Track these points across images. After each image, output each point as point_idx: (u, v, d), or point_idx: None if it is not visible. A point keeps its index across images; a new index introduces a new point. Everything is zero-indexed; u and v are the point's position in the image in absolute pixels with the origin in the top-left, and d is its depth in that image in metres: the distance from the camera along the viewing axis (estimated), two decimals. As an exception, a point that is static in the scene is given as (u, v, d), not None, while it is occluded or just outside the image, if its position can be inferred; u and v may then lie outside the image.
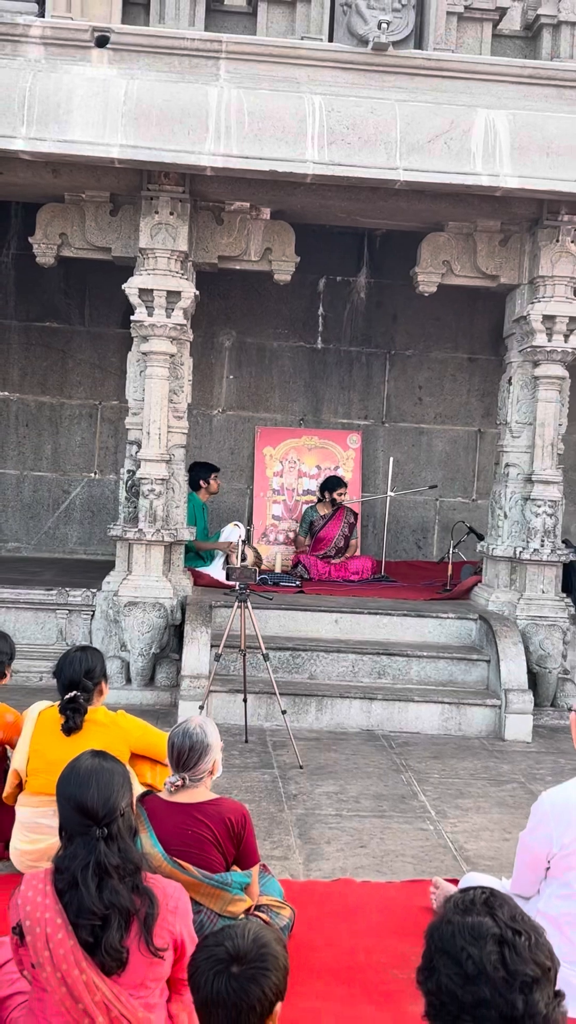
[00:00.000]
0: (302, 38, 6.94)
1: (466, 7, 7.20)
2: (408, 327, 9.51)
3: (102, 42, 6.59)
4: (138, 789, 3.47)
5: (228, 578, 6.29)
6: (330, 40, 6.97)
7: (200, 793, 3.31)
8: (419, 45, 7.14)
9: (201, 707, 5.96)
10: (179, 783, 3.26)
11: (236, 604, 5.94)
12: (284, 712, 5.88)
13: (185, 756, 3.25)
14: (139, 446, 6.93)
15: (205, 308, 8.55)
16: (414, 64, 6.69)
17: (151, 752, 3.98)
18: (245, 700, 6.08)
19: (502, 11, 7.37)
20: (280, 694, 5.94)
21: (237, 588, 5.95)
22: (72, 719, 3.84)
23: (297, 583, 7.86)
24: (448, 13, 7.11)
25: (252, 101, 6.38)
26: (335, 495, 8.60)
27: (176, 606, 6.82)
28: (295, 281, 7.74)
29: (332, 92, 6.56)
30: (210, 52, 6.56)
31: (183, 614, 6.80)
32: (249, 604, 5.93)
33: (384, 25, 6.61)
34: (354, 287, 9.45)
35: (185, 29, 6.86)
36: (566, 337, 6.93)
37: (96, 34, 6.57)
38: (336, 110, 6.41)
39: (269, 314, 9.40)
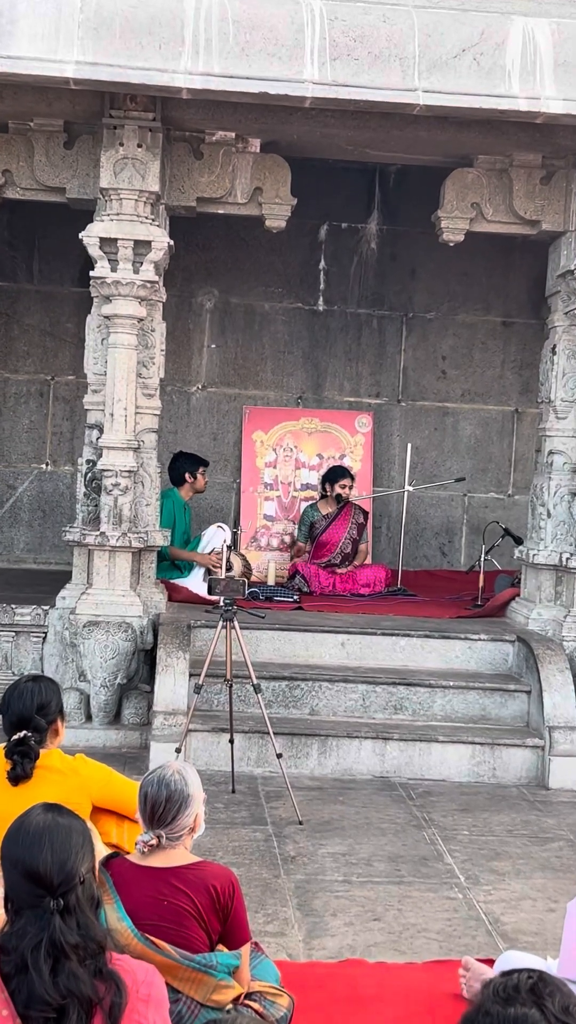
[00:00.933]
0: None
1: None
2: (429, 285, 9.54)
3: None
4: (102, 851, 3.46)
5: (210, 592, 6.29)
6: None
7: (178, 855, 3.30)
8: None
9: (178, 750, 5.96)
10: (153, 843, 3.25)
11: (220, 624, 5.94)
12: (279, 756, 5.87)
13: (161, 810, 3.24)
14: (101, 430, 6.93)
15: (181, 262, 8.56)
16: (436, -38, 6.69)
17: (117, 805, 3.97)
18: (232, 741, 6.08)
19: None
20: (275, 733, 5.93)
21: (222, 604, 5.95)
22: (21, 765, 3.82)
23: (295, 597, 7.88)
24: None
25: (238, 7, 6.37)
26: (338, 488, 8.60)
27: (147, 626, 6.83)
28: (291, 228, 7.75)
29: (335, -4, 6.56)
30: (186, -53, 6.56)
31: (155, 636, 6.80)
32: (236, 623, 5.93)
33: None
34: (363, 235, 9.47)
35: None
36: (623, 291, 6.95)
37: None
38: (341, 18, 6.42)
39: (259, 268, 9.42)
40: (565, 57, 6.49)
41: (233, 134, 7.08)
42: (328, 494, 8.70)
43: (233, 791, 5.98)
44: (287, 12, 6.40)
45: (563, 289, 7.31)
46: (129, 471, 6.85)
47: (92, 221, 6.89)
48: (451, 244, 7.53)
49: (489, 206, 7.36)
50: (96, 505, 6.96)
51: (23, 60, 6.19)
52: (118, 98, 6.68)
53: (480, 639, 7.22)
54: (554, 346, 7.36)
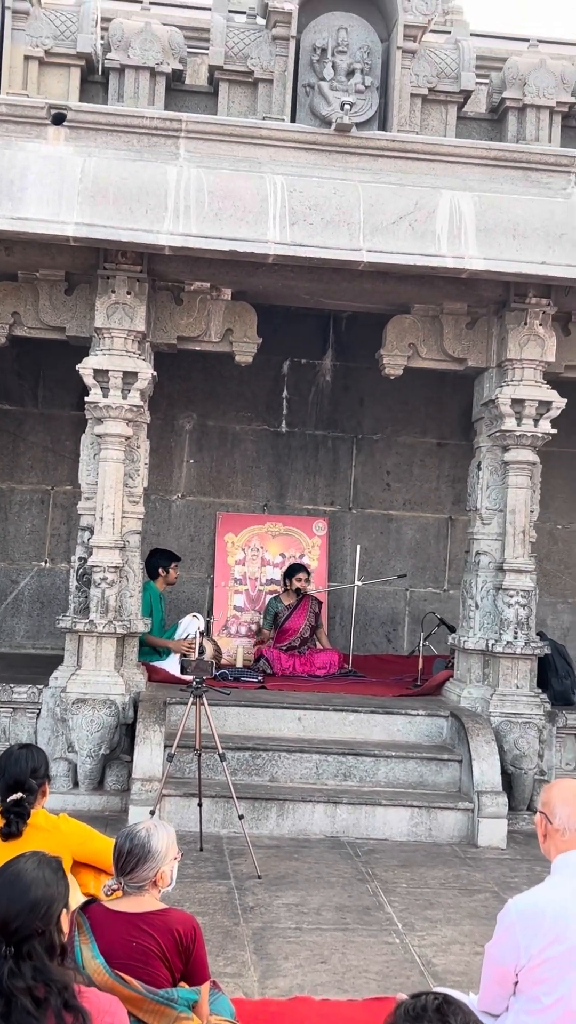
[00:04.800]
0: (264, 118, 7.27)
1: (430, 90, 7.59)
2: (376, 411, 9.72)
3: (59, 119, 6.86)
4: (79, 900, 3.43)
5: (183, 671, 6.29)
6: (292, 121, 7.30)
7: (147, 902, 3.27)
8: (383, 126, 7.50)
9: (153, 812, 5.89)
10: (115, 886, 3.24)
11: (191, 700, 5.93)
12: (241, 817, 5.83)
13: (123, 859, 3.22)
14: (91, 532, 6.98)
15: (164, 390, 8.71)
16: (378, 145, 7.00)
17: (95, 860, 3.93)
18: (200, 805, 6.02)
19: (467, 94, 7.78)
20: (238, 798, 5.90)
21: (193, 681, 5.95)
22: (15, 824, 3.78)
23: (259, 678, 7.86)
24: (412, 95, 7.50)
25: (212, 180, 6.63)
26: (296, 582, 8.67)
27: (128, 703, 6.79)
28: (258, 363, 7.92)
29: (294, 172, 6.83)
30: (170, 131, 6.84)
31: (136, 711, 6.76)
32: (205, 700, 5.93)
33: (347, 107, 6.94)
34: (320, 370, 9.68)
35: (145, 108, 7.17)
36: (536, 421, 7.13)
37: (53, 111, 6.84)
38: (298, 190, 6.67)
39: (231, 396, 9.58)
40: (486, 224, 6.75)
41: (208, 284, 7.26)
42: (289, 588, 8.76)
43: (201, 849, 5.91)
44: (254, 185, 6.66)
45: (486, 416, 7.49)
46: (116, 567, 6.89)
47: (88, 355, 7.02)
48: (392, 377, 7.70)
49: (424, 346, 7.55)
50: (86, 597, 6.97)
51: (31, 221, 6.39)
52: (111, 253, 6.87)
53: (419, 715, 7.22)
54: (479, 463, 7.51)
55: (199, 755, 6.03)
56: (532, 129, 7.66)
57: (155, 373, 7.13)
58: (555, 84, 7.60)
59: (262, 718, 7.05)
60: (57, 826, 3.92)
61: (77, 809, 6.42)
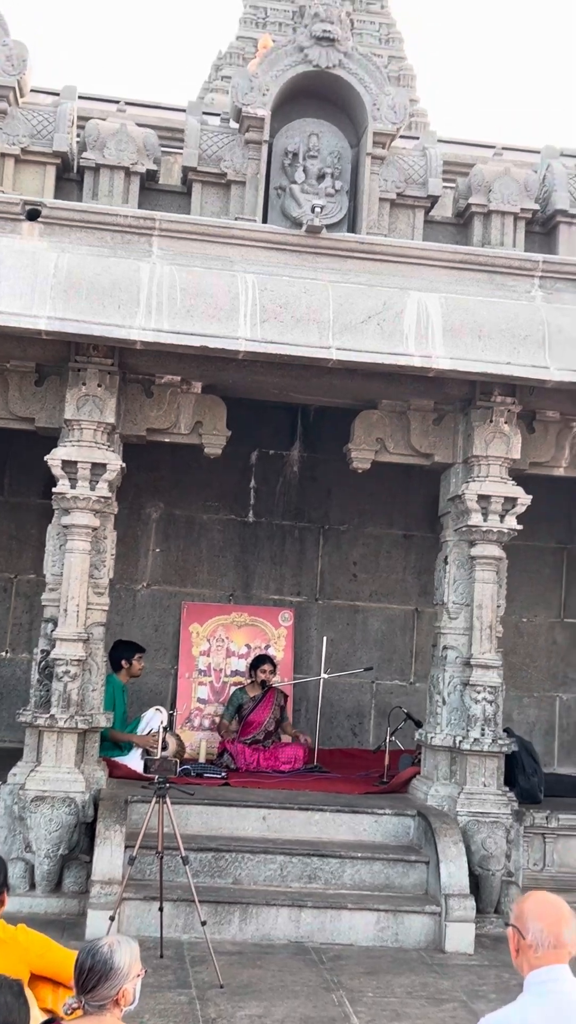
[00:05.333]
0: (236, 218, 7.43)
1: (398, 194, 7.81)
2: (342, 501, 9.78)
3: (33, 215, 6.98)
4: (37, 1016, 3.31)
5: (147, 770, 6.17)
6: (264, 221, 7.47)
7: (108, 1022, 3.16)
8: (352, 228, 7.69)
9: (112, 917, 5.73)
10: (75, 1005, 3.13)
11: (154, 799, 5.81)
12: (204, 923, 5.69)
13: (84, 976, 3.12)
14: (55, 624, 6.90)
15: (132, 479, 8.70)
16: (347, 247, 7.17)
17: (54, 973, 3.80)
18: (161, 909, 5.87)
19: (434, 199, 8.01)
20: (200, 901, 5.76)
21: (156, 781, 5.84)
22: (-26, 936, 3.67)
23: (223, 774, 7.74)
24: (381, 199, 7.71)
25: (185, 277, 6.74)
26: (260, 673, 8.61)
27: (88, 801, 6.64)
28: (227, 453, 7.97)
29: (265, 271, 6.97)
30: (143, 229, 6.97)
31: (96, 810, 6.61)
32: (168, 800, 5.81)
33: (318, 209, 7.13)
34: (287, 461, 9.74)
35: (119, 206, 7.31)
36: (502, 517, 7.20)
37: (27, 207, 6.96)
38: (269, 289, 6.80)
39: (199, 486, 9.61)
40: (452, 324, 6.91)
41: (179, 378, 7.30)
42: (254, 679, 8.69)
43: (161, 956, 5.74)
44: (225, 283, 6.78)
45: (453, 511, 7.55)
46: (79, 660, 6.80)
47: (56, 446, 7.02)
48: (360, 471, 7.76)
49: (391, 441, 7.63)
50: (48, 690, 6.86)
51: (3, 314, 6.43)
52: (83, 346, 6.92)
53: (385, 814, 7.12)
54: (446, 557, 7.55)
55: (161, 857, 5.89)
56: (497, 234, 7.89)
57: (124, 464, 7.14)
58: (519, 192, 7.86)
59: (226, 817, 6.92)
60: (15, 936, 3.80)
61: (34, 912, 6.23)
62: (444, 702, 7.33)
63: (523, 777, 7.70)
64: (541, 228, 8.28)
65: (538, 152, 8.86)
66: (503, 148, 8.73)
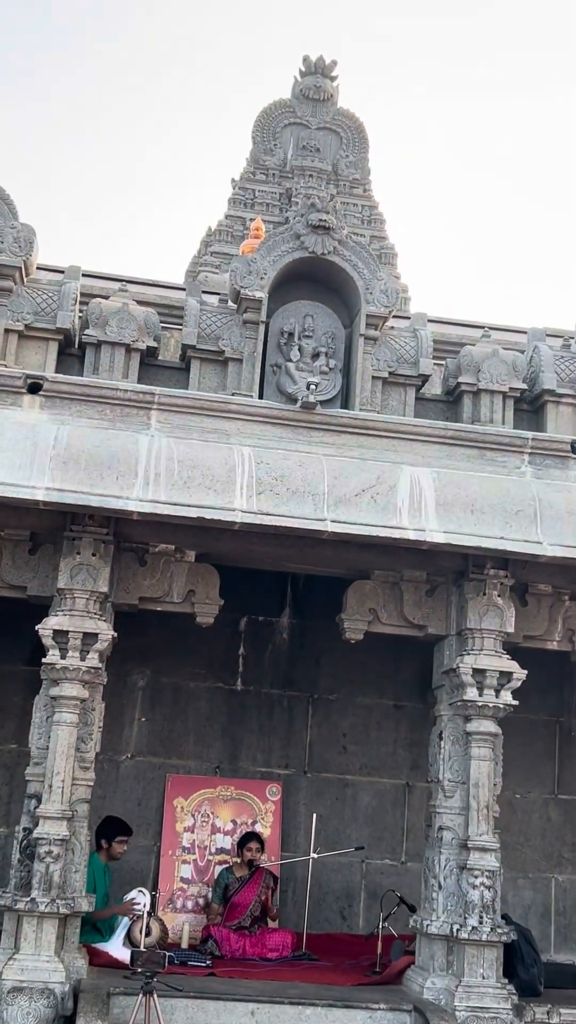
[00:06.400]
0: (233, 393, 7.65)
1: (390, 373, 8.08)
2: (332, 670, 9.68)
3: (34, 388, 7.15)
4: None
5: (133, 963, 5.86)
6: (260, 397, 7.69)
7: None
8: (346, 405, 7.91)
9: None
10: None
11: (140, 995, 5.51)
12: None
13: None
14: (39, 800, 6.70)
15: (119, 645, 8.54)
16: (341, 423, 7.36)
17: None
18: None
19: (424, 377, 8.29)
20: None
21: (141, 971, 5.55)
22: None
23: (207, 962, 7.36)
24: (374, 378, 7.97)
25: (182, 450, 6.87)
26: (245, 852, 8.33)
27: (68, 992, 6.28)
28: (216, 619, 7.93)
29: (261, 444, 7.12)
30: (142, 403, 7.15)
31: (75, 1002, 6.25)
32: (155, 995, 5.51)
33: (312, 386, 7.34)
34: (277, 627, 9.69)
35: (119, 381, 7.53)
36: (497, 692, 7.14)
37: (29, 381, 7.14)
38: (265, 462, 6.93)
39: (187, 652, 9.50)
40: (444, 498, 7.02)
41: (173, 547, 7.34)
42: (243, 858, 8.39)
43: None
44: (222, 456, 6.90)
45: (447, 684, 7.49)
46: (62, 839, 6.57)
47: (47, 614, 6.97)
48: (353, 642, 7.73)
49: (384, 612, 7.63)
50: (29, 871, 6.58)
51: (3, 485, 6.49)
52: (79, 516, 6.96)
53: (380, 1008, 6.73)
54: (440, 732, 7.44)
55: (145, 1059, 5.54)
56: (486, 411, 8.13)
57: (115, 634, 7.09)
58: (507, 372, 8.14)
59: (212, 1011, 6.53)
60: None
61: None
62: (440, 887, 7.08)
63: (523, 968, 7.35)
64: (529, 406, 8.54)
65: (523, 332, 9.23)
66: (491, 328, 9.09)
